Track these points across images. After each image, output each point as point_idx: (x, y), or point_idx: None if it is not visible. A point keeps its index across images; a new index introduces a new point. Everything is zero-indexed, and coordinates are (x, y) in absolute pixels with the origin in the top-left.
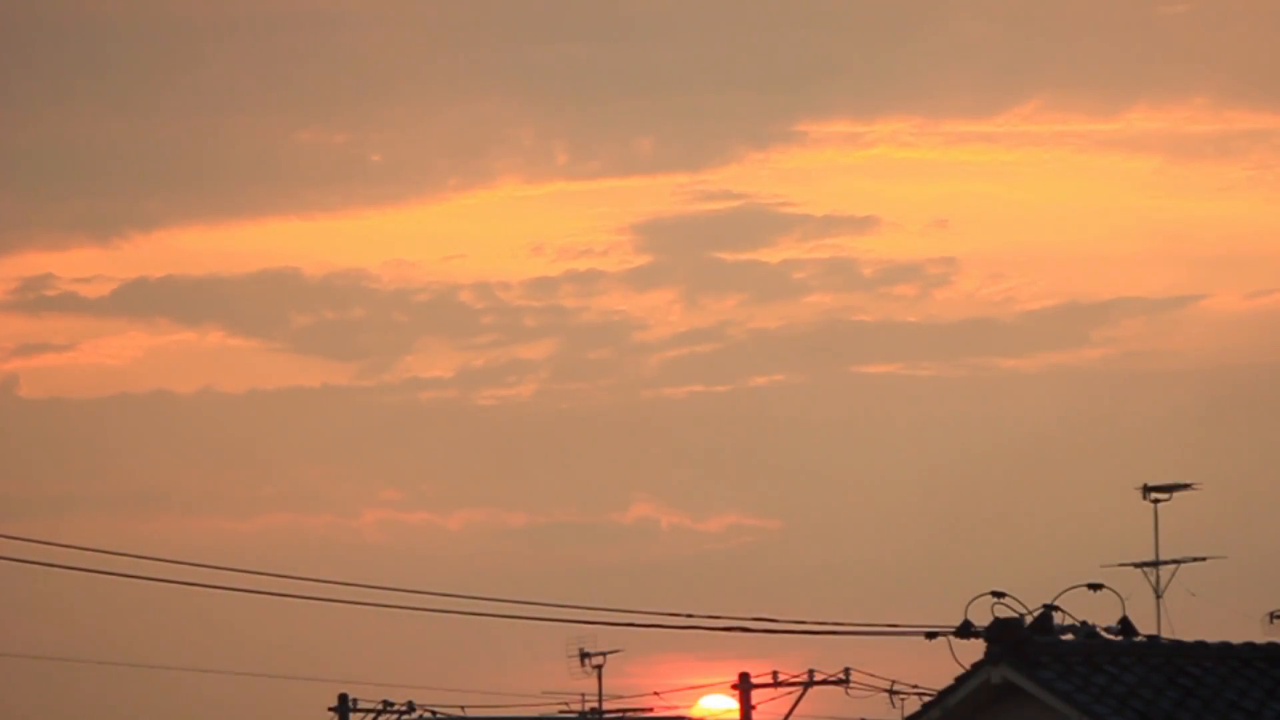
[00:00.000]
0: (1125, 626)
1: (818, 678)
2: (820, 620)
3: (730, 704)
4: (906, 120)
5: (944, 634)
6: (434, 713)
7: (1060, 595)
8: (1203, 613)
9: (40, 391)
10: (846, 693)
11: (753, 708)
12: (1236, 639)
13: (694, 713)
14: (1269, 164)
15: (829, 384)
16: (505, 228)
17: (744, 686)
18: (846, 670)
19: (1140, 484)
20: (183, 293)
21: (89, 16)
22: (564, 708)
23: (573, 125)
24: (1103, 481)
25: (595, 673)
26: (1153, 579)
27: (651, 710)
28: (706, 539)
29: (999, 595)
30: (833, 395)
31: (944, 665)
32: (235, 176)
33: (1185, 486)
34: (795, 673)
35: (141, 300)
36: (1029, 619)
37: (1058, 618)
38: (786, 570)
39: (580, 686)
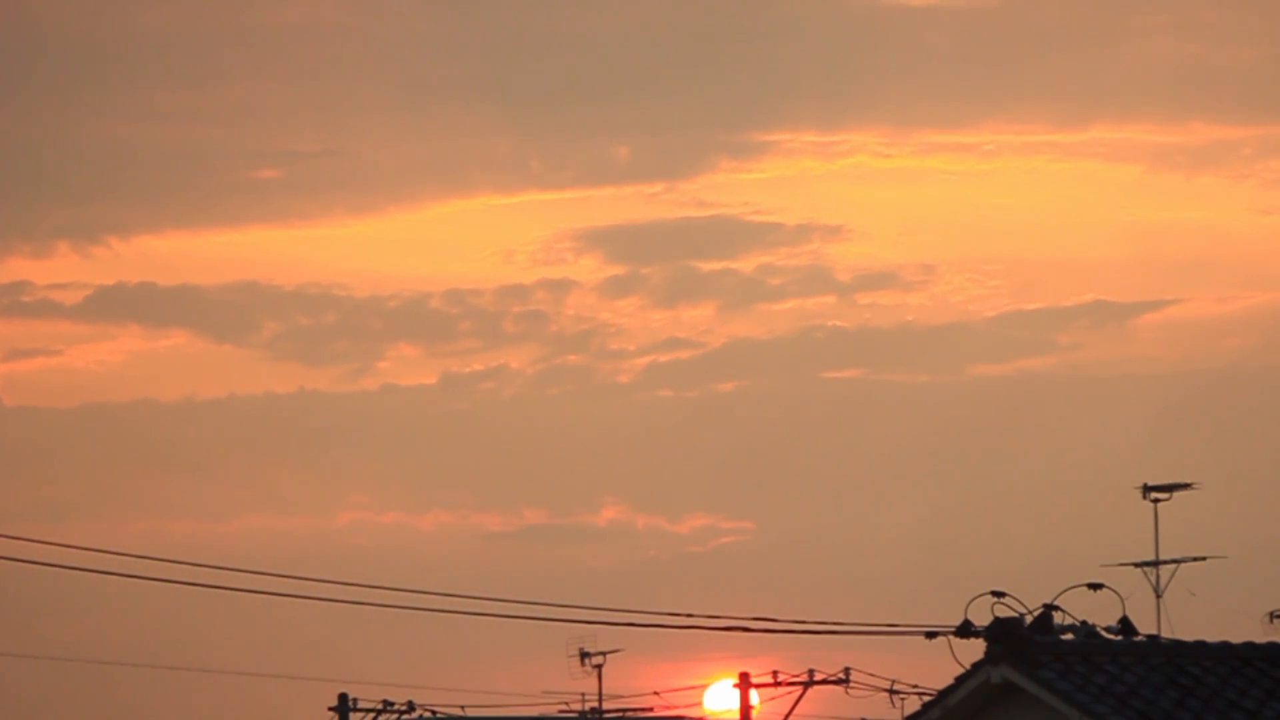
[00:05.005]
0: (1125, 626)
1: (818, 678)
2: (820, 620)
3: (737, 696)
4: (880, 130)
5: (944, 634)
6: (434, 713)
7: (1060, 595)
8: (1203, 613)
9: (18, 398)
10: (846, 693)
11: (750, 707)
12: (1236, 639)
13: (700, 707)
14: (1242, 174)
15: (802, 390)
16: (480, 236)
17: (744, 686)
18: (846, 670)
19: (1140, 483)
20: (161, 300)
21: (71, 25)
22: (564, 708)
23: (548, 135)
24: (1099, 482)
25: (595, 673)
26: (1153, 579)
27: (652, 710)
28: (683, 540)
29: (999, 595)
30: (806, 401)
31: (944, 665)
32: (214, 185)
33: (1185, 486)
34: (795, 673)
35: (119, 307)
36: (1029, 619)
37: (1058, 618)
38: (774, 571)
39: (580, 686)
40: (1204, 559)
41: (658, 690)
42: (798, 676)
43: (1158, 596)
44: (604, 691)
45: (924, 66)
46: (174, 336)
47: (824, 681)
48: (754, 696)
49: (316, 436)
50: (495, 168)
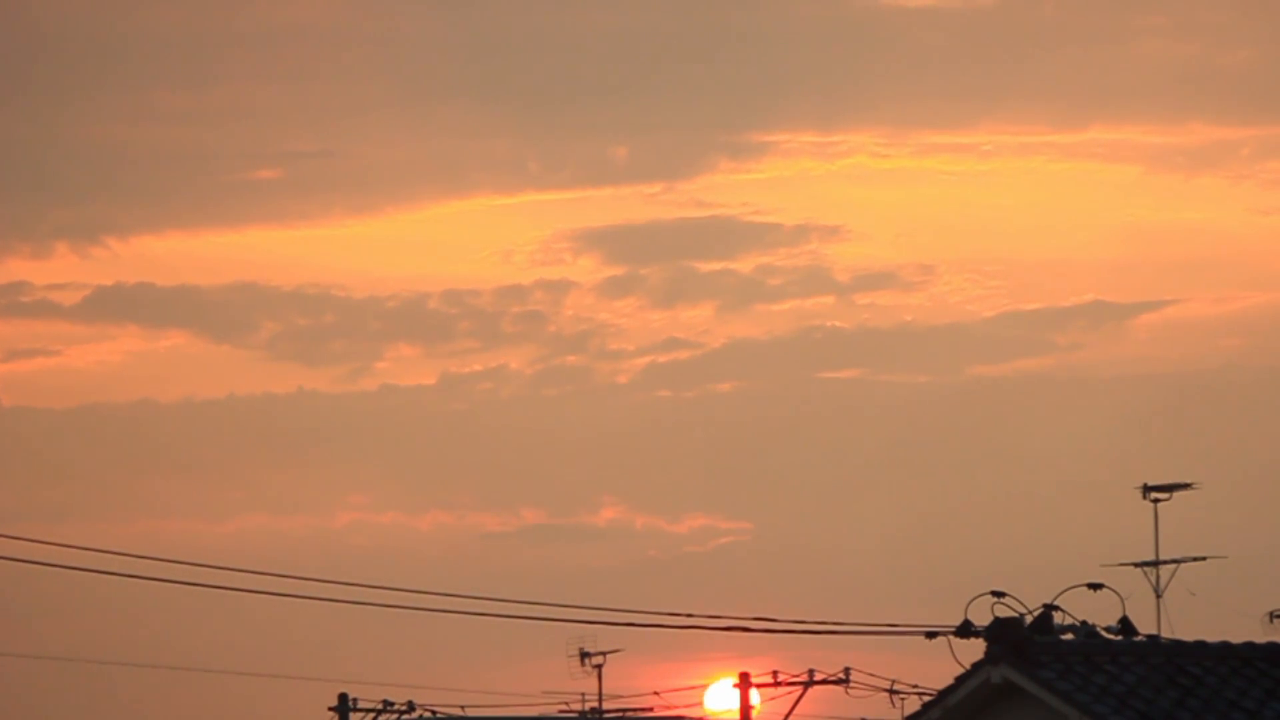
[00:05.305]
0: (1125, 626)
1: (818, 678)
2: (820, 620)
3: (737, 696)
4: (879, 130)
5: (944, 634)
6: (434, 713)
7: (1060, 595)
8: (1203, 612)
9: (17, 399)
10: (846, 693)
11: (750, 707)
12: (1236, 639)
13: (700, 707)
14: (1240, 175)
15: (801, 390)
16: (479, 236)
17: (744, 686)
18: (846, 670)
19: (1140, 483)
20: (159, 300)
21: (70, 25)
22: (564, 708)
23: (546, 136)
24: (1099, 482)
25: (595, 673)
26: (1153, 579)
27: (652, 710)
28: (682, 540)
29: (999, 595)
30: (805, 401)
31: (944, 665)
32: (213, 185)
33: (1185, 486)
34: (795, 673)
35: (118, 307)
36: (1029, 619)
37: (1058, 618)
38: (774, 571)
39: (580, 686)
40: (1204, 559)
41: (658, 690)
42: (798, 676)
43: (1158, 596)
44: (604, 691)
45: (923, 67)
46: (173, 337)
47: (824, 681)
48: (754, 696)
49: (315, 437)
50: (494, 168)
